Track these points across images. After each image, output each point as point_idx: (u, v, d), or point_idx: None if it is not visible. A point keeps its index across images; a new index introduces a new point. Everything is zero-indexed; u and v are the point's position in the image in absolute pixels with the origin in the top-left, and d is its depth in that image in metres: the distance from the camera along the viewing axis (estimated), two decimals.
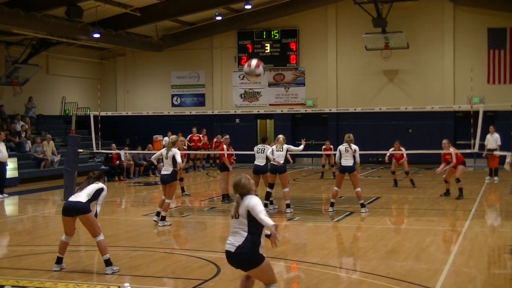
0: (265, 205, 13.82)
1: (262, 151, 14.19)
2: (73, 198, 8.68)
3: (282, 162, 13.73)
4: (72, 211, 8.60)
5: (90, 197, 8.61)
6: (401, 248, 10.21)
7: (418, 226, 12.50)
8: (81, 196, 8.60)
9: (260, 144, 14.62)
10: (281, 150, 13.91)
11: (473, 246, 10.38)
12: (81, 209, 8.52)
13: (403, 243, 10.56)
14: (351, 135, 13.97)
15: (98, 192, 8.69)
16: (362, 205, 13.78)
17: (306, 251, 10.36)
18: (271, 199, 14.33)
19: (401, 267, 8.80)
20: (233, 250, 6.09)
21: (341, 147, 13.86)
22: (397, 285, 7.88)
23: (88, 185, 8.75)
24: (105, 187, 8.86)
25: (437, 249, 10.07)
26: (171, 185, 12.49)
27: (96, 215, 8.67)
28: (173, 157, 12.36)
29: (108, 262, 8.61)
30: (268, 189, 14.15)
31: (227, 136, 16.50)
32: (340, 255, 10.12)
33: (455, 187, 15.99)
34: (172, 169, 12.41)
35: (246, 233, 6.06)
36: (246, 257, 6.07)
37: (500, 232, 11.81)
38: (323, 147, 21.99)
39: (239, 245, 6.05)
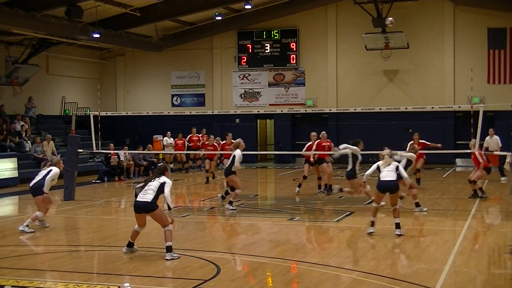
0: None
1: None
2: (141, 198, 9.57)
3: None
4: (141, 209, 9.60)
5: (156, 193, 9.56)
6: (401, 248, 10.20)
7: (418, 226, 12.49)
8: (148, 195, 9.53)
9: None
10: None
11: (473, 246, 10.38)
12: (149, 208, 9.54)
13: (403, 243, 10.55)
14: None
15: (162, 186, 9.60)
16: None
17: (306, 251, 10.35)
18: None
19: (401, 267, 8.80)
20: None
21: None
22: (397, 285, 7.87)
23: (153, 180, 9.69)
24: (168, 180, 9.66)
25: (437, 249, 10.05)
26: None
27: (169, 207, 9.47)
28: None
29: (168, 249, 9.42)
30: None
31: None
32: (340, 255, 10.10)
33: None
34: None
35: None
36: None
37: (500, 232, 11.79)
38: (226, 147, 19.23)
39: None
